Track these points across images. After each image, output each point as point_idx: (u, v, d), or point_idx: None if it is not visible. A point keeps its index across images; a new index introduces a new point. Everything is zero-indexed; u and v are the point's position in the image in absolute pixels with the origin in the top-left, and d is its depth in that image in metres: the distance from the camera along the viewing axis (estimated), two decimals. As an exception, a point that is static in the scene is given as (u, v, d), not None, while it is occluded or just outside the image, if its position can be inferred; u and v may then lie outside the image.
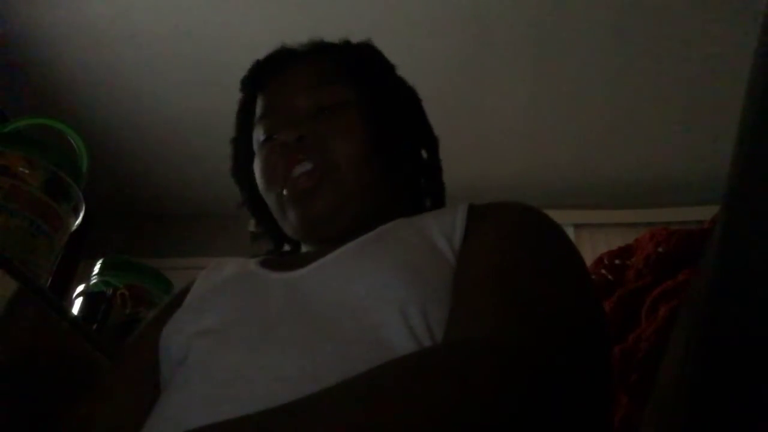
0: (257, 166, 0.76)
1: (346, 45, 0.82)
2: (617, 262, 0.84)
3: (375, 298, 0.55)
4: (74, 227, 0.99)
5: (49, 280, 0.95)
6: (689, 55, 2.24)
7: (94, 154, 1.10)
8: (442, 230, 0.63)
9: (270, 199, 0.75)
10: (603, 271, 0.84)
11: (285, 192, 0.71)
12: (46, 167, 0.91)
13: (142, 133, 2.68)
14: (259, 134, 0.77)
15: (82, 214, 0.99)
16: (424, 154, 0.82)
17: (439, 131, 0.83)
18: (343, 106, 0.74)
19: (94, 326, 1.12)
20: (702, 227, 0.75)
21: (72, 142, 1.06)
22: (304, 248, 0.78)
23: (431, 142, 0.83)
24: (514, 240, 0.59)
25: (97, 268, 1.33)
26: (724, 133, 0.78)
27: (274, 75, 0.79)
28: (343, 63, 0.78)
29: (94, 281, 1.30)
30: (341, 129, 0.72)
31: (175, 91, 2.46)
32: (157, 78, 2.43)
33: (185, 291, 0.74)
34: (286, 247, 0.85)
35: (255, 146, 0.78)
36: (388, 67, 0.83)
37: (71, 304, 1.23)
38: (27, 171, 0.89)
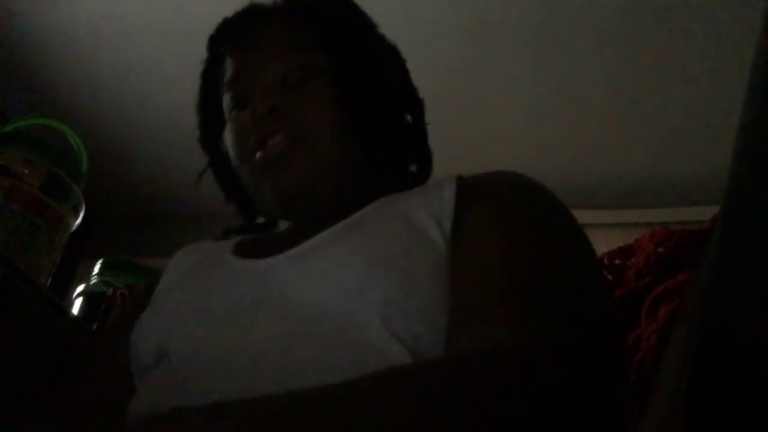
0: (228, 138, 0.72)
1: (320, 1, 0.76)
2: (617, 262, 0.84)
3: (353, 298, 0.51)
4: (74, 227, 0.99)
5: (49, 280, 0.95)
6: (690, 55, 2.24)
7: (94, 154, 1.10)
8: (429, 211, 0.58)
9: (243, 172, 0.71)
10: (603, 271, 0.84)
11: (257, 160, 0.67)
12: (46, 167, 0.91)
13: (142, 133, 2.68)
14: (227, 101, 0.73)
15: (82, 214, 0.99)
16: (408, 118, 0.77)
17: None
18: (315, 74, 0.69)
19: (94, 326, 1.12)
20: (702, 227, 0.75)
21: (72, 142, 1.06)
22: (281, 225, 0.75)
23: (415, 105, 0.78)
24: (516, 228, 0.54)
25: (97, 268, 1.33)
26: (724, 133, 0.78)
27: (243, 36, 0.74)
28: (316, 25, 0.73)
29: (94, 281, 1.30)
30: (313, 99, 0.68)
31: (176, 91, 2.46)
32: (158, 78, 2.43)
33: (153, 285, 0.71)
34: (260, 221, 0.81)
35: (225, 112, 0.74)
36: (365, 27, 0.78)
37: (71, 304, 1.23)
38: (27, 171, 0.89)
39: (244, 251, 0.67)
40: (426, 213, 0.58)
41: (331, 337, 0.49)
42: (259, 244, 0.69)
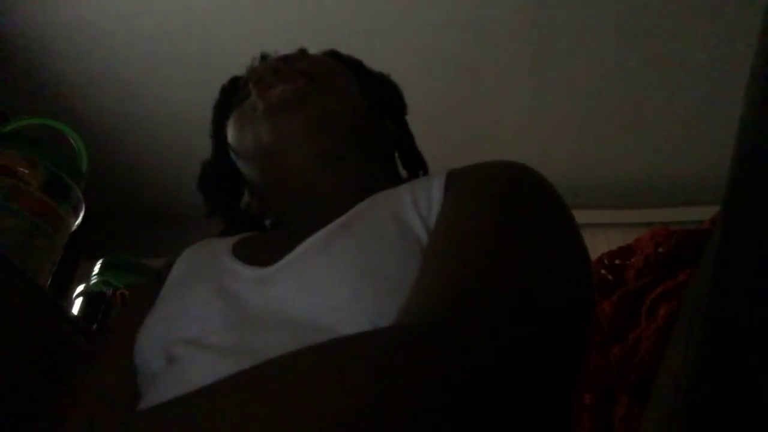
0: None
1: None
2: (617, 262, 0.84)
3: (346, 310, 0.51)
4: (74, 227, 0.99)
5: (49, 280, 0.95)
6: (689, 55, 2.24)
7: (94, 154, 1.10)
8: (416, 208, 0.58)
9: (238, 130, 0.73)
10: (603, 271, 0.84)
11: (259, 107, 0.68)
12: (46, 167, 0.91)
13: (142, 133, 2.68)
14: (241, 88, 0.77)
15: (82, 214, 0.99)
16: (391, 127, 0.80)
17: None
18: (339, 60, 0.76)
19: (94, 326, 1.12)
20: (702, 227, 0.75)
21: (72, 142, 1.06)
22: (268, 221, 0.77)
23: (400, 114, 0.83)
24: (488, 204, 0.53)
25: (97, 268, 1.33)
26: (724, 133, 0.78)
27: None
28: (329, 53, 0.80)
29: (94, 281, 1.29)
30: (334, 71, 0.73)
31: (176, 90, 2.46)
32: (158, 78, 2.43)
33: (157, 282, 0.71)
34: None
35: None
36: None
37: (71, 304, 1.23)
38: (27, 171, 0.88)
39: (242, 253, 0.67)
40: (413, 210, 0.58)
41: None
42: (256, 245, 0.69)
